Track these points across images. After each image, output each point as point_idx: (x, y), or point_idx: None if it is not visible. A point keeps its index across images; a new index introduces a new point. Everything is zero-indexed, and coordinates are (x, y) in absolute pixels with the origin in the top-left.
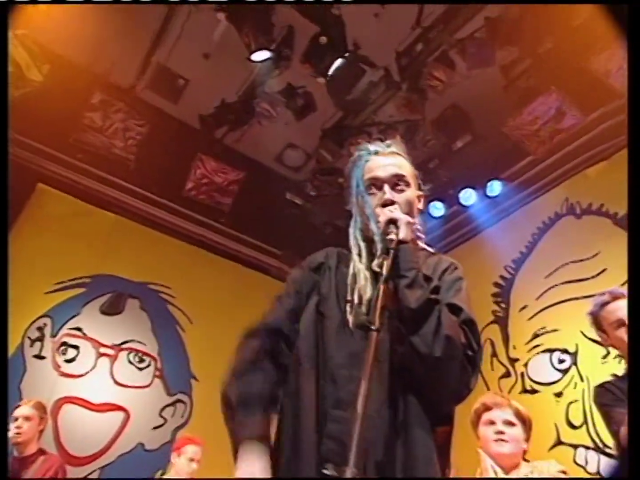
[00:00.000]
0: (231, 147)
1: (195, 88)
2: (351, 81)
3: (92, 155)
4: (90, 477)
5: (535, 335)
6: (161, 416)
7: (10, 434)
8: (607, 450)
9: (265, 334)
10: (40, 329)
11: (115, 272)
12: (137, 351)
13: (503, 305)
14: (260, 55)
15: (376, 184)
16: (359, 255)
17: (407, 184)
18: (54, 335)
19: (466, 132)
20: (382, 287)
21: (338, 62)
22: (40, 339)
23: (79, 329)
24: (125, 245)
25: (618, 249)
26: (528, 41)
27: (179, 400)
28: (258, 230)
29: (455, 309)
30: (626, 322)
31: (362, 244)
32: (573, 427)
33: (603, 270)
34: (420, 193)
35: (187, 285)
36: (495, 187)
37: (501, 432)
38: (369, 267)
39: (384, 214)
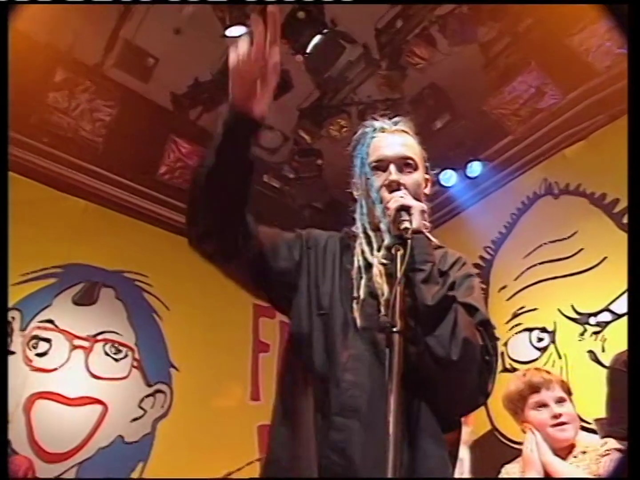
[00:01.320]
0: (206, 129)
1: (166, 66)
2: (330, 58)
3: (58, 139)
4: (68, 473)
5: (515, 315)
6: (140, 407)
7: None
8: (585, 425)
9: None
10: (8, 323)
11: (87, 260)
12: (113, 342)
13: (483, 285)
14: (236, 31)
15: (381, 164)
16: (370, 245)
17: (415, 167)
18: (23, 329)
19: (445, 112)
20: (400, 283)
21: (317, 38)
22: (9, 333)
23: (50, 321)
24: (97, 232)
25: (594, 228)
26: (509, 18)
27: (158, 391)
28: None
29: (470, 309)
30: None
31: (372, 233)
32: None
33: (580, 250)
34: (428, 176)
35: (163, 272)
36: (475, 168)
37: (559, 415)
38: (380, 261)
39: (394, 199)
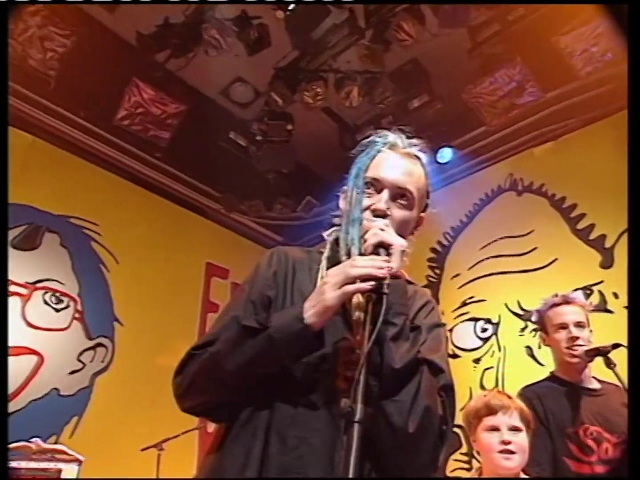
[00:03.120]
0: (173, 75)
1: None
2: (313, 20)
3: None
4: None
5: (464, 304)
6: (79, 360)
7: None
8: None
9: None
10: None
11: (31, 202)
12: (54, 291)
13: (437, 271)
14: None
15: (376, 185)
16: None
17: (411, 204)
18: None
19: (424, 92)
20: (365, 351)
21: None
22: None
23: None
24: (44, 171)
25: (550, 229)
26: (502, 6)
27: (99, 344)
28: (196, 168)
29: (436, 370)
30: (568, 326)
31: (344, 257)
32: (485, 390)
33: (534, 249)
34: (422, 215)
35: (115, 222)
36: (445, 154)
37: (507, 442)
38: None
39: (374, 232)
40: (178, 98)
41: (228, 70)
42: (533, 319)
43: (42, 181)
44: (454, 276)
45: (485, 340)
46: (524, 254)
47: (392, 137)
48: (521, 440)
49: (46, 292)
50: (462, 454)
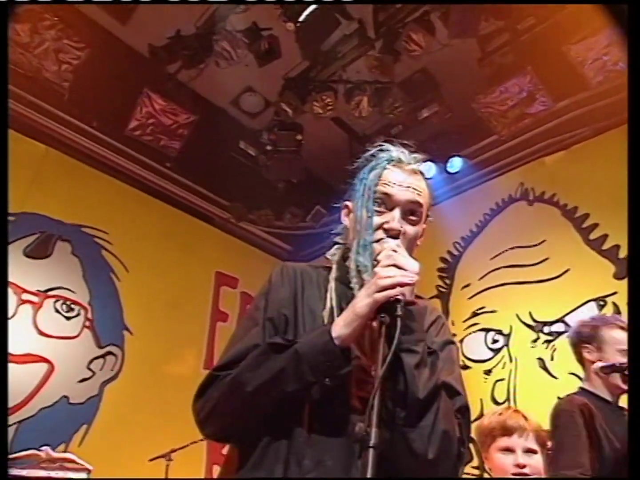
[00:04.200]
0: (184, 85)
1: (148, 10)
2: (323, 31)
3: (18, 76)
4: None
5: (474, 314)
6: (89, 369)
7: None
8: None
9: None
10: None
11: (44, 211)
12: (65, 299)
13: (447, 281)
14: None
15: (388, 203)
16: (348, 287)
17: (420, 217)
18: None
19: (434, 102)
20: (380, 374)
21: (311, 7)
22: None
23: None
24: (57, 181)
25: (562, 239)
26: (511, 15)
27: (109, 353)
28: (206, 178)
29: (452, 392)
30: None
31: (355, 278)
32: (496, 403)
33: (545, 259)
34: (425, 225)
35: (125, 231)
36: (455, 164)
37: (522, 466)
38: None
39: (387, 253)
40: (189, 108)
41: (238, 80)
42: (581, 330)
43: (55, 190)
44: (465, 286)
45: (497, 351)
46: (536, 264)
47: (395, 152)
48: (536, 462)
49: (57, 300)
50: (473, 467)
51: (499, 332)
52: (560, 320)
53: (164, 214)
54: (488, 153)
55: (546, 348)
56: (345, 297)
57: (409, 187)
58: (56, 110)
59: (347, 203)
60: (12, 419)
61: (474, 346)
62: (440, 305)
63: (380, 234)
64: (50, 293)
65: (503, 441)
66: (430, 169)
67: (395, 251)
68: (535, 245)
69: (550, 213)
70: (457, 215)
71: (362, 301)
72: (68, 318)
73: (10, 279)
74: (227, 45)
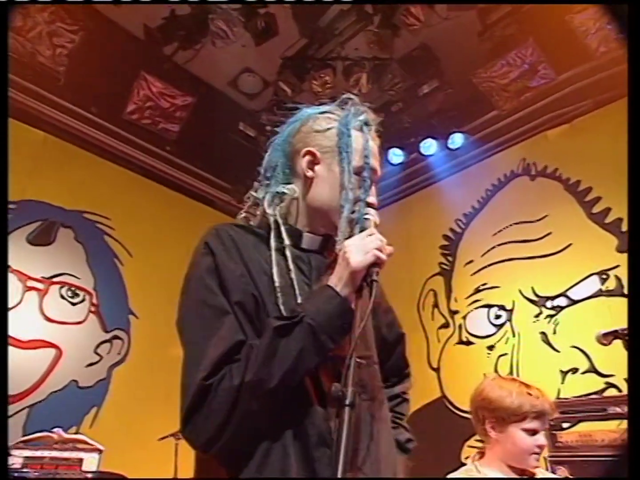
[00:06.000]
0: (181, 67)
1: None
2: (320, 7)
3: (13, 61)
4: (19, 415)
5: (477, 290)
6: (96, 353)
7: None
8: None
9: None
10: None
11: (45, 198)
12: (70, 285)
13: (450, 258)
14: None
15: (364, 173)
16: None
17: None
18: None
19: (434, 77)
20: (356, 334)
21: None
22: None
23: None
24: (56, 168)
25: (564, 214)
26: None
27: (115, 337)
28: (206, 160)
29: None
30: None
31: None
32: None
33: (548, 234)
34: None
35: (127, 216)
36: (456, 140)
37: (542, 447)
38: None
39: (376, 236)
40: (186, 90)
41: (236, 61)
42: None
43: (55, 177)
44: (467, 263)
45: (499, 327)
46: (538, 239)
47: (363, 116)
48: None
49: (62, 287)
50: (476, 440)
51: (502, 307)
52: (563, 294)
53: (165, 198)
54: (489, 128)
55: (549, 322)
56: (302, 263)
57: (376, 156)
58: (52, 96)
59: (313, 150)
60: (23, 403)
61: (477, 322)
62: (443, 283)
63: (361, 205)
64: (54, 279)
65: (533, 424)
66: (431, 145)
67: (369, 217)
68: (538, 220)
69: (553, 187)
70: (459, 192)
71: (357, 258)
72: (73, 304)
73: (15, 266)
74: (223, 24)
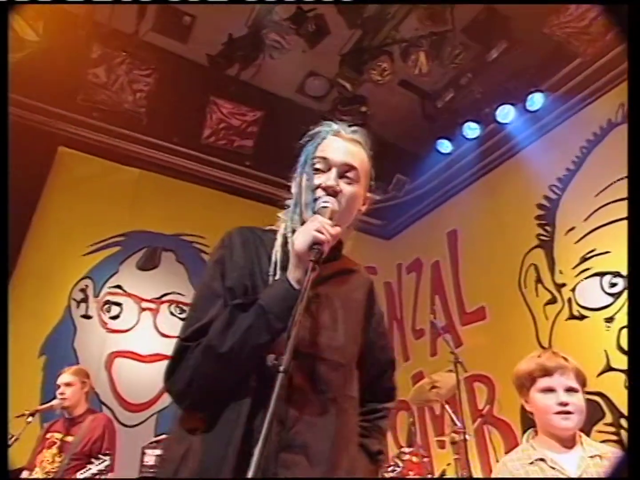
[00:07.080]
0: (247, 84)
1: (203, 23)
2: None
3: (105, 113)
4: (149, 420)
5: (584, 259)
6: None
7: (56, 400)
8: None
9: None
10: (83, 290)
11: (147, 227)
12: (177, 302)
13: (548, 228)
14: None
15: (324, 166)
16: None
17: (357, 179)
18: (96, 295)
19: (502, 38)
20: (299, 309)
21: None
22: (85, 299)
23: (119, 287)
24: (153, 198)
25: None
26: None
27: None
28: (285, 168)
29: None
30: None
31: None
32: (625, 352)
33: None
34: (368, 195)
35: (219, 232)
36: (536, 100)
37: (565, 404)
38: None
39: (322, 210)
40: (253, 105)
41: (298, 67)
42: None
43: (153, 207)
44: (569, 230)
45: (617, 295)
46: None
47: (336, 126)
48: (578, 400)
49: (171, 304)
50: (606, 424)
51: (617, 274)
52: None
53: (251, 210)
54: (573, 80)
55: None
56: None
57: (343, 150)
58: (140, 135)
59: (294, 175)
60: (151, 410)
61: (589, 293)
62: (544, 255)
63: (319, 192)
64: (163, 299)
65: (544, 381)
66: (508, 112)
67: (326, 205)
68: None
69: None
70: (548, 156)
71: (298, 239)
72: (182, 319)
73: (130, 290)
74: (276, 36)
